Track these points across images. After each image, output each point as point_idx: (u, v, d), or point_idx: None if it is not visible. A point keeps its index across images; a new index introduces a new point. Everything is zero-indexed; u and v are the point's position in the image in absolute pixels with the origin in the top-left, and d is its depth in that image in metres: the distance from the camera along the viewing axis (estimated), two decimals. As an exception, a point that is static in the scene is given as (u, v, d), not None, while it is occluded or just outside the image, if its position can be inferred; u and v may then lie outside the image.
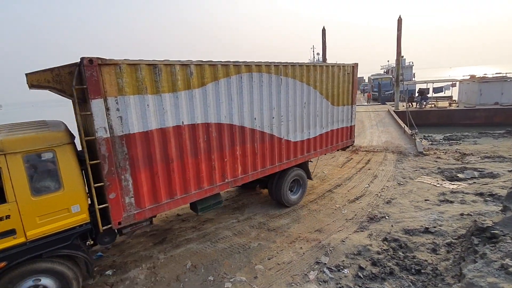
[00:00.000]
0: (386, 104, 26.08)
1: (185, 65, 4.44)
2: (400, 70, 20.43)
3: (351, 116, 8.29)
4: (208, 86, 4.79)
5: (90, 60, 3.54)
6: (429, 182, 8.23)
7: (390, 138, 14.00)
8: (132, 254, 5.41)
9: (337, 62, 7.53)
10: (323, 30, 23.89)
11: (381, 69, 52.99)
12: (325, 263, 4.87)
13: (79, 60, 3.56)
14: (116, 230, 4.59)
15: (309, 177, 7.53)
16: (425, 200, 7.05)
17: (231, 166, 5.41)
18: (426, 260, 4.69)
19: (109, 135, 3.82)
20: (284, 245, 5.46)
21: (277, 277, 4.63)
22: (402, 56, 21.81)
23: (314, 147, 7.21)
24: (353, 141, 8.67)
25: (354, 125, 8.55)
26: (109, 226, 4.04)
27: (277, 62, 5.86)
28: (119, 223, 4.10)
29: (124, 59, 3.86)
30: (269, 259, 5.08)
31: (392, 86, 27.80)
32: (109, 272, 4.90)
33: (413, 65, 43.15)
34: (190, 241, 5.69)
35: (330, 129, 7.60)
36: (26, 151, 3.41)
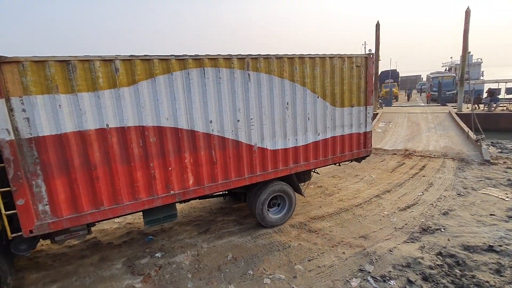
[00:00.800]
0: (447, 105, 22.02)
1: (108, 60, 3.95)
2: (466, 67, 16.78)
3: (365, 120, 6.62)
4: (142, 83, 4.20)
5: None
6: (496, 195, 7.08)
7: (450, 143, 11.96)
8: (179, 241, 5.73)
9: (341, 53, 6.06)
10: (377, 25, 21.09)
11: (443, 66, 46.27)
12: (369, 272, 4.57)
13: None
14: (51, 237, 4.40)
15: (299, 192, 6.23)
16: (490, 214, 6.14)
17: (179, 176, 4.70)
18: (488, 282, 4.18)
19: (13, 138, 3.57)
20: (326, 248, 5.26)
21: (317, 280, 4.49)
22: (469, 52, 17.91)
23: (306, 157, 5.92)
24: (370, 151, 6.92)
25: (371, 132, 6.82)
26: (19, 233, 3.80)
27: (244, 54, 4.92)
28: (31, 231, 3.82)
29: (32, 56, 3.59)
30: (309, 260, 4.94)
31: (455, 85, 23.37)
32: (158, 254, 5.25)
33: (481, 62, 36.79)
34: (232, 234, 5.84)
35: (330, 135, 6.17)
36: None
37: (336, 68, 5.94)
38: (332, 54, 5.85)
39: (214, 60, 4.68)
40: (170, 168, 4.59)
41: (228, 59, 4.79)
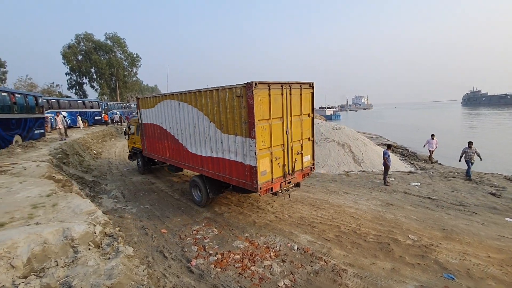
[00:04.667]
0: None
1: (144, 98, 9.99)
2: None
3: (248, 151, 6.21)
4: (157, 105, 9.76)
5: (137, 98, 10.99)
6: None
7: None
8: None
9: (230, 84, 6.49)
10: None
11: None
12: None
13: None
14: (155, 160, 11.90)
15: (207, 193, 7.94)
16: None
17: (163, 151, 9.79)
18: None
19: (141, 122, 11.13)
20: None
21: None
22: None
23: (207, 166, 7.72)
24: (256, 188, 6.18)
25: (255, 167, 6.08)
26: (141, 153, 11.59)
27: (177, 92, 8.32)
28: (143, 153, 11.47)
29: (141, 95, 10.67)
30: None
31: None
32: None
33: None
34: None
35: (221, 156, 7.13)
36: (136, 123, 12.04)
37: (221, 98, 6.67)
38: (220, 87, 6.69)
39: (171, 95, 8.76)
40: (167, 146, 9.82)
41: (171, 94, 8.58)
